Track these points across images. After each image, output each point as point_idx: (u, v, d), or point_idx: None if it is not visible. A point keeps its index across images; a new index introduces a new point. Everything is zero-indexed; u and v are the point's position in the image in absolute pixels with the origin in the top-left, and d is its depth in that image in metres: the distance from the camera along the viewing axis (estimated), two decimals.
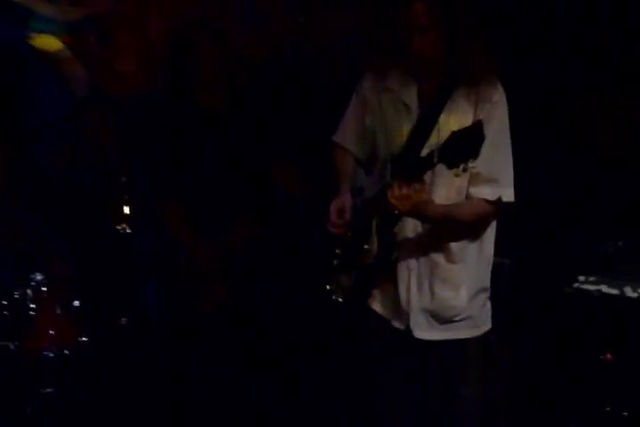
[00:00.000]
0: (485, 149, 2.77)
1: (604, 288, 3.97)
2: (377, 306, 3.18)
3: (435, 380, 3.09)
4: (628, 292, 3.93)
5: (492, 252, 3.12)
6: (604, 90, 4.28)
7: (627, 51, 4.25)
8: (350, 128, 3.22)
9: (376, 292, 3.17)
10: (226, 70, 3.84)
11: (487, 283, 3.13)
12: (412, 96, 2.99)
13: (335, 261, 3.20)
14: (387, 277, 3.10)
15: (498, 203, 2.94)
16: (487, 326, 3.15)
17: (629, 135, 4.18)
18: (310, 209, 4.25)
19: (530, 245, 4.20)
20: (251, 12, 4.85)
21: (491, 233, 3.09)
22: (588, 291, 3.99)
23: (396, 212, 2.83)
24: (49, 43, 4.40)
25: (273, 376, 4.14)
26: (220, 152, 3.81)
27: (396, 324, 3.11)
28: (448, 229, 2.99)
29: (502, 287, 4.08)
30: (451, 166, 2.58)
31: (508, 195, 2.95)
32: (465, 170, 2.58)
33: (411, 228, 3.01)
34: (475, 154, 2.55)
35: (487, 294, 3.14)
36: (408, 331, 3.08)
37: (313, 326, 4.21)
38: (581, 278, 4.02)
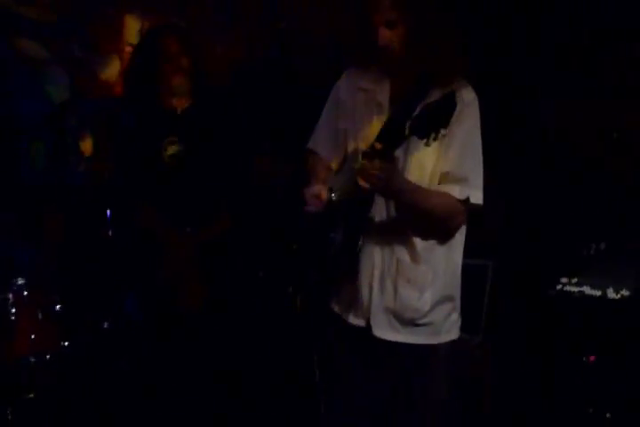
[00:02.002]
0: (455, 149, 2.81)
1: (587, 290, 3.98)
2: (335, 305, 3.08)
3: (392, 379, 3.00)
4: (610, 293, 3.94)
5: (459, 260, 3.03)
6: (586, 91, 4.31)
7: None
8: (323, 134, 3.17)
9: (335, 288, 3.07)
10: (190, 72, 3.80)
11: (454, 292, 3.02)
12: (384, 95, 2.95)
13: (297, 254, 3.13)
14: (348, 271, 3.00)
15: (465, 203, 2.89)
16: (451, 335, 3.02)
17: (610, 136, 4.20)
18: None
19: (513, 247, 4.21)
20: (230, 16, 4.89)
21: (459, 240, 3.01)
22: (570, 292, 4.00)
23: (365, 186, 2.71)
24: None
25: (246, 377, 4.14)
26: (188, 153, 3.80)
27: (355, 320, 3.01)
28: (415, 223, 2.91)
29: (485, 289, 4.11)
30: (422, 136, 2.56)
31: (477, 197, 2.89)
32: (435, 139, 2.55)
33: (378, 219, 2.94)
34: (445, 122, 2.52)
35: (453, 304, 3.02)
36: (367, 328, 2.98)
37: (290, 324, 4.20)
38: (564, 280, 4.03)
